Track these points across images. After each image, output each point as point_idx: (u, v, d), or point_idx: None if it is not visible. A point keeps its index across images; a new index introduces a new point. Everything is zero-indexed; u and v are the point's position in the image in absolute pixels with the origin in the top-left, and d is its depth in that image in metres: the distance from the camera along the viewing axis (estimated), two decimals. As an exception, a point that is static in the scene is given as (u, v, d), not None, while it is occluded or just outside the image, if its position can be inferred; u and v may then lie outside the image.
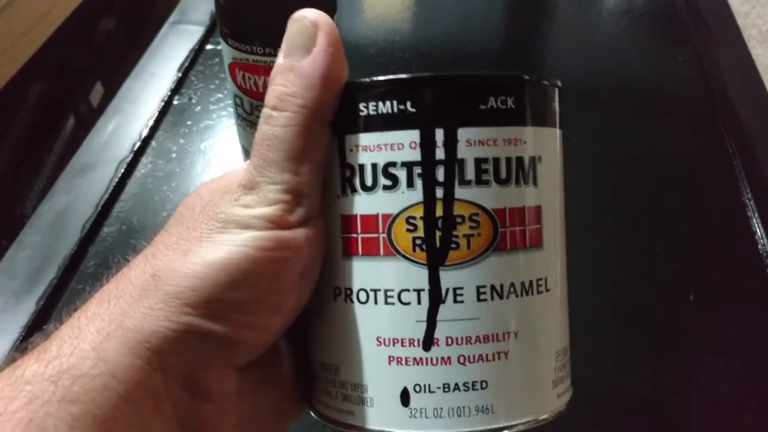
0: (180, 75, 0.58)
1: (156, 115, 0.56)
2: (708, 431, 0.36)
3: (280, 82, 0.20)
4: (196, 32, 0.62)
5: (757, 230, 0.46)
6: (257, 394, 0.22)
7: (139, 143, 0.54)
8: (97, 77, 0.77)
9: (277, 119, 0.20)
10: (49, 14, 0.69)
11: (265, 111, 0.21)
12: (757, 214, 0.46)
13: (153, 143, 0.55)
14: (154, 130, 0.55)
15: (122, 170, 0.52)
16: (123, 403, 0.19)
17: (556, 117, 0.22)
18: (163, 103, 0.56)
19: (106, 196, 0.50)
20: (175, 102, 0.57)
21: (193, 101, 0.57)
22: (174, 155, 0.54)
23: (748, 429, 0.36)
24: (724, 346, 0.40)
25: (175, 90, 0.57)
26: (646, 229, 0.47)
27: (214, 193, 0.22)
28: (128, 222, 0.49)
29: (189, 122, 0.56)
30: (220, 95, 0.57)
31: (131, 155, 0.53)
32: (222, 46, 0.43)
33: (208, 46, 0.61)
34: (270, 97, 0.21)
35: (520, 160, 0.21)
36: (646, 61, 0.62)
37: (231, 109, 0.47)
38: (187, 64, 0.59)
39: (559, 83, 0.22)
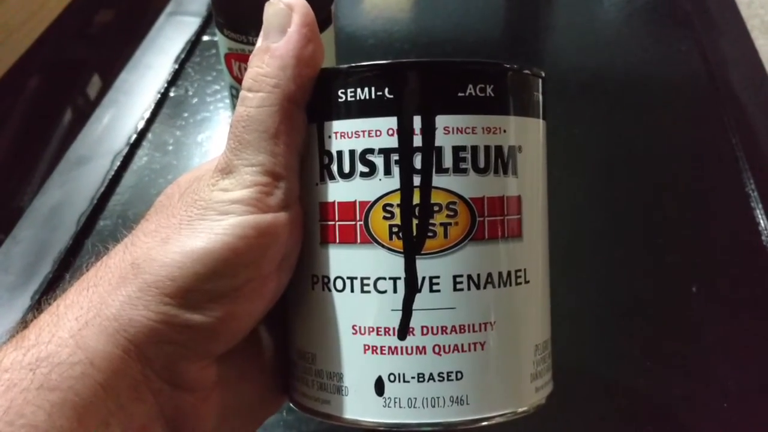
0: (176, 67, 0.58)
1: (152, 107, 0.55)
2: (711, 424, 0.35)
3: (255, 64, 0.21)
4: (192, 23, 0.62)
5: (761, 221, 0.45)
6: (238, 383, 0.22)
7: (135, 136, 0.54)
8: (95, 70, 0.77)
9: (252, 100, 0.20)
10: (46, 6, 0.69)
11: (241, 93, 0.21)
12: (760, 205, 0.45)
13: (149, 135, 0.54)
14: (150, 122, 0.55)
15: (118, 163, 0.52)
16: (102, 391, 0.19)
17: (538, 107, 0.22)
18: (159, 95, 0.56)
19: (102, 189, 0.50)
20: (171, 94, 0.57)
21: (190, 93, 0.57)
22: (170, 148, 0.54)
23: (752, 422, 0.35)
24: (727, 339, 0.39)
25: (172, 82, 0.57)
26: (648, 220, 0.46)
27: (193, 180, 0.22)
28: (124, 215, 0.49)
29: (186, 114, 0.55)
30: (217, 87, 0.57)
31: (127, 148, 0.53)
32: (217, 37, 0.43)
33: (205, 38, 0.61)
34: (246, 79, 0.21)
35: (499, 149, 0.20)
36: (647, 52, 0.61)
37: (228, 101, 0.46)
38: (183, 56, 0.59)
39: (543, 73, 0.22)
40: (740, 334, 0.39)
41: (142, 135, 0.54)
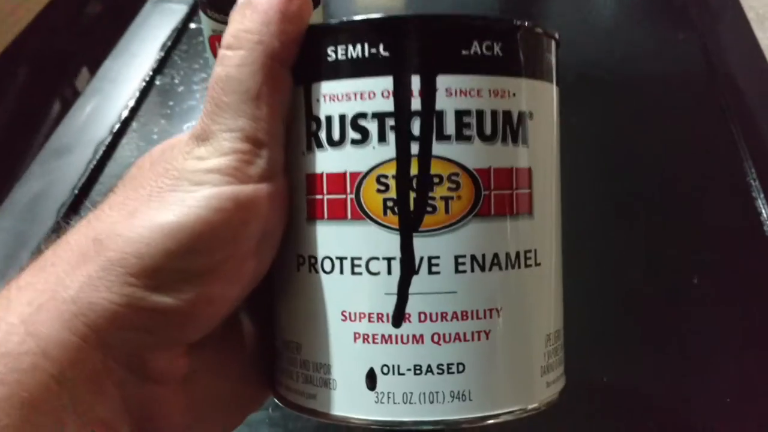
0: (162, 54, 0.57)
1: (137, 95, 0.54)
2: (714, 419, 0.34)
3: (236, 19, 0.19)
4: (179, 11, 0.61)
5: (763, 211, 0.44)
6: (215, 374, 0.20)
7: (118, 125, 0.52)
8: (83, 62, 0.75)
9: (231, 58, 0.18)
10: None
11: (220, 52, 0.19)
12: (762, 195, 0.45)
13: (134, 125, 0.53)
14: (135, 111, 0.53)
15: (101, 152, 0.50)
16: (56, 384, 0.17)
17: (551, 70, 0.20)
18: (144, 84, 0.54)
19: (84, 179, 0.48)
20: (157, 82, 0.55)
21: (176, 81, 0.55)
22: (156, 137, 0.52)
23: (754, 415, 0.34)
24: (729, 331, 0.38)
25: (158, 70, 0.56)
26: (648, 211, 0.46)
27: (165, 149, 0.20)
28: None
29: (171, 103, 0.54)
30: (204, 75, 0.55)
31: (110, 137, 0.51)
32: (201, 19, 0.41)
33: (192, 25, 0.60)
34: (225, 36, 0.19)
35: (507, 114, 0.18)
36: (646, 40, 0.61)
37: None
38: (170, 44, 0.57)
39: (557, 34, 0.20)
40: (743, 325, 0.39)
41: (126, 124, 0.52)
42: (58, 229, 0.20)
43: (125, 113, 0.53)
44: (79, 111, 0.54)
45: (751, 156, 0.47)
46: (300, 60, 0.19)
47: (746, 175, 0.46)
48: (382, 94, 0.18)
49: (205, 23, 0.41)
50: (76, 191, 0.48)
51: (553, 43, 0.20)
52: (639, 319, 0.39)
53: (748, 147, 0.48)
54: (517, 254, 0.19)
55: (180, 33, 0.59)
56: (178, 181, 0.18)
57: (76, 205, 0.47)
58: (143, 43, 0.58)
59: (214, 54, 0.42)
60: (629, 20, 0.65)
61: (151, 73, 0.55)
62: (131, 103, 0.53)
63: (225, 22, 0.39)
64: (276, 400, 0.21)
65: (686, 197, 0.46)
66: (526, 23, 0.19)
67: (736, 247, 0.43)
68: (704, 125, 0.52)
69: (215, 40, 0.41)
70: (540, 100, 0.19)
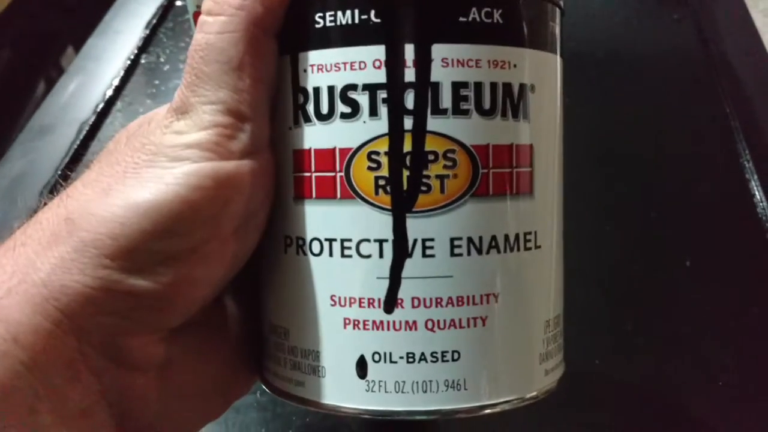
0: (148, 32, 0.55)
1: (122, 74, 0.52)
2: (705, 402, 0.34)
3: None
4: (166, -14, 0.59)
5: (756, 193, 0.44)
6: (198, 360, 0.19)
7: (102, 104, 0.51)
8: (68, 41, 0.73)
9: (212, 25, 0.17)
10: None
11: (200, 18, 0.17)
12: (756, 176, 0.44)
13: (118, 104, 0.51)
14: (119, 90, 0.52)
15: (84, 132, 0.49)
16: (27, 372, 0.16)
17: (555, 41, 0.19)
18: (129, 62, 0.53)
19: (67, 160, 0.47)
20: (142, 61, 0.54)
21: (162, 60, 0.54)
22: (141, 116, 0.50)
23: (747, 400, 0.34)
24: (721, 314, 0.38)
25: (143, 48, 0.54)
26: (641, 193, 0.45)
27: (143, 123, 0.19)
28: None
29: (157, 82, 0.52)
30: (191, 54, 0.53)
31: (94, 117, 0.50)
32: (186, -7, 0.39)
33: (178, 2, 0.58)
34: (206, 2, 0.17)
35: (508, 87, 0.17)
36: (640, 19, 0.60)
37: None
38: (155, 21, 0.56)
39: (562, 2, 0.19)
40: (735, 308, 0.38)
41: (110, 103, 0.51)
42: (37, 210, 0.19)
43: (109, 92, 0.51)
44: (62, 90, 0.52)
45: (745, 137, 0.47)
46: (286, 27, 0.17)
47: (740, 156, 0.46)
48: (374, 64, 0.17)
49: (189, 0, 0.39)
50: (59, 172, 0.46)
51: (558, 11, 0.19)
52: (631, 301, 0.38)
53: (742, 128, 0.47)
54: (517, 236, 0.18)
55: (166, 10, 0.57)
56: (155, 157, 0.17)
57: (58, 186, 0.46)
58: (128, 20, 0.57)
59: (200, 30, 0.40)
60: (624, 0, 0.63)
61: (136, 51, 0.54)
62: (116, 82, 0.52)
63: (211, -3, 0.38)
64: (263, 386, 0.20)
65: (679, 178, 0.45)
66: None
67: (729, 230, 0.42)
68: (698, 105, 0.51)
69: (199, 16, 0.39)
70: (543, 72, 0.18)
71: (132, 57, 0.53)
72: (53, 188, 0.45)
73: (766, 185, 0.44)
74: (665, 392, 0.34)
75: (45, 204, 0.18)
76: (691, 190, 0.45)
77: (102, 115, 0.50)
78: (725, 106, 0.49)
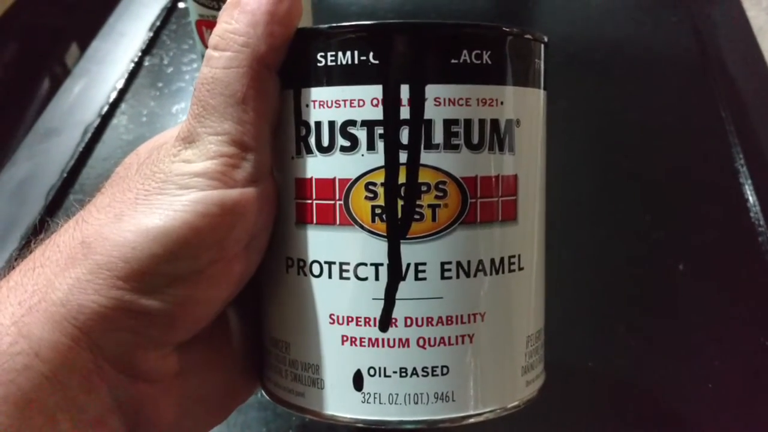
0: (151, 35, 0.56)
1: (126, 76, 0.53)
2: (696, 405, 0.35)
3: (224, 20, 0.19)
4: (168, -10, 0.59)
5: (750, 197, 0.44)
6: (204, 371, 0.21)
7: (107, 106, 0.51)
8: (73, 38, 0.74)
9: (218, 60, 0.18)
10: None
11: (207, 52, 0.19)
12: (749, 181, 0.44)
13: (122, 106, 0.52)
14: (123, 92, 0.52)
15: (89, 135, 0.50)
16: (48, 383, 0.17)
17: (540, 76, 0.20)
18: (133, 65, 0.54)
19: (72, 162, 0.48)
20: (146, 63, 0.54)
21: (165, 62, 0.54)
22: (144, 119, 0.51)
23: (737, 402, 0.34)
24: (713, 317, 0.38)
25: (146, 50, 0.55)
26: (635, 195, 0.45)
27: (153, 149, 0.20)
28: (96, 190, 0.47)
29: (160, 84, 0.53)
30: (194, 56, 0.54)
31: (99, 119, 0.51)
32: (188, 3, 0.40)
33: (181, 4, 0.59)
34: (212, 36, 0.19)
35: (495, 123, 0.19)
36: (638, 22, 0.60)
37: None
38: (158, 24, 0.56)
39: (546, 39, 0.20)
40: (727, 311, 0.38)
41: (114, 106, 0.52)
42: (43, 224, 0.20)
43: (114, 95, 0.52)
44: (66, 93, 0.53)
45: (740, 141, 0.47)
46: (290, 63, 0.19)
47: (734, 160, 0.46)
48: (372, 102, 0.18)
49: (191, 8, 0.40)
50: (65, 174, 0.47)
51: (542, 48, 0.20)
52: (625, 305, 0.39)
53: (736, 132, 0.47)
54: (501, 260, 0.19)
55: (169, 12, 0.58)
56: (164, 185, 0.18)
57: (64, 188, 0.47)
58: (132, 22, 0.57)
59: (201, 38, 0.41)
60: (622, 2, 0.64)
61: (139, 53, 0.54)
62: (120, 85, 0.52)
63: (211, 7, 0.39)
64: (264, 394, 0.21)
65: (673, 181, 0.46)
66: (515, 30, 0.19)
67: (722, 233, 0.42)
68: (694, 108, 0.51)
69: (202, 24, 0.40)
70: (527, 107, 0.20)
71: (135, 59, 0.54)
72: (60, 189, 0.46)
73: (759, 189, 0.44)
74: (658, 394, 0.35)
75: (53, 224, 0.20)
76: (685, 193, 0.45)
77: (106, 118, 0.51)
78: (720, 109, 0.49)
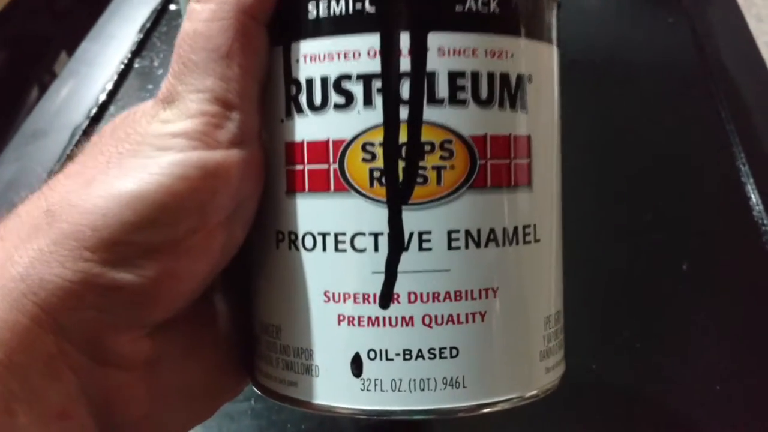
0: (141, 36, 0.55)
1: (115, 78, 0.52)
2: (702, 406, 0.34)
3: None
4: (159, -9, 0.59)
5: (752, 196, 0.43)
6: (183, 360, 0.19)
7: (96, 109, 0.50)
8: (62, 46, 0.73)
9: (200, 12, 0.17)
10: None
11: (189, 6, 0.17)
12: (752, 180, 0.44)
13: (111, 109, 0.51)
14: (112, 94, 0.51)
15: (77, 137, 0.49)
16: (4, 370, 0.15)
17: (552, 32, 0.18)
18: (123, 67, 0.53)
19: (60, 164, 0.47)
20: (136, 65, 0.53)
21: (156, 64, 0.53)
22: (134, 122, 0.50)
23: (746, 404, 0.34)
24: (718, 317, 0.37)
25: (136, 52, 0.54)
26: (636, 196, 0.45)
27: (130, 114, 0.18)
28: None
29: (150, 86, 0.52)
30: (185, 58, 0.53)
31: (87, 121, 0.50)
32: (180, 5, 0.39)
33: (172, 6, 0.58)
34: None
35: (505, 77, 0.17)
36: (635, 24, 0.60)
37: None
38: (149, 26, 0.55)
39: None
40: (731, 312, 0.38)
41: (103, 108, 0.50)
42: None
43: (103, 97, 0.51)
44: (54, 94, 0.52)
45: (741, 141, 0.46)
46: (278, 17, 0.17)
47: (735, 159, 0.46)
48: (368, 53, 0.16)
49: (183, 10, 0.39)
50: (52, 176, 0.46)
51: (554, 3, 0.19)
52: (627, 305, 0.38)
53: (737, 132, 0.47)
54: (515, 229, 0.17)
55: (159, 14, 0.57)
56: (139, 146, 0.16)
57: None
58: (121, 24, 0.56)
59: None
60: (618, 3, 0.64)
61: (129, 55, 0.53)
62: (109, 87, 0.51)
63: None
64: (254, 388, 0.19)
65: (675, 182, 0.45)
66: None
67: (725, 233, 0.42)
68: (693, 109, 0.51)
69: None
70: (540, 63, 0.18)
71: (125, 61, 0.53)
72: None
73: (762, 189, 0.43)
74: (662, 397, 0.34)
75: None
76: (687, 193, 0.45)
77: (95, 120, 0.50)
78: (720, 109, 0.49)
